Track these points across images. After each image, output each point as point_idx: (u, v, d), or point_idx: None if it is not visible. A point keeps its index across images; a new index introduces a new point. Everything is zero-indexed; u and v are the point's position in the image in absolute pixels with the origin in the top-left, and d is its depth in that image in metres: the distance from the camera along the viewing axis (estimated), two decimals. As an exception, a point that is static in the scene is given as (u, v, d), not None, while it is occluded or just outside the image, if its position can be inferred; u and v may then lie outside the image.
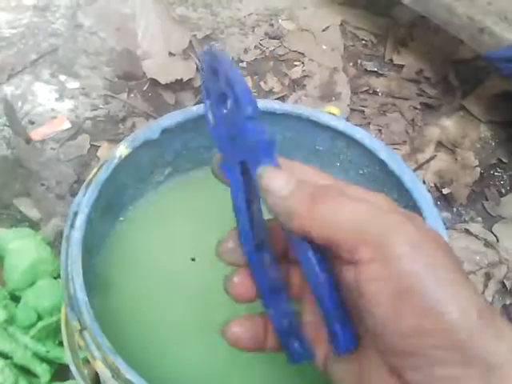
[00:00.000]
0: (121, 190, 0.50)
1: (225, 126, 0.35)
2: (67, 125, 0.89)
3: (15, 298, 0.57)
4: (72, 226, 0.43)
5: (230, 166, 0.34)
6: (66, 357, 0.45)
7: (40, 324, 0.53)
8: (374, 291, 0.27)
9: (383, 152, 0.49)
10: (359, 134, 0.50)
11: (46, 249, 0.58)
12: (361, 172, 0.53)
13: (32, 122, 0.89)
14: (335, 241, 0.28)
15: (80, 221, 0.43)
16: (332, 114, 0.52)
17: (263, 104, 0.52)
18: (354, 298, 0.29)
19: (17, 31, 1.05)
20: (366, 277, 0.27)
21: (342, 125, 0.51)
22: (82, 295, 0.39)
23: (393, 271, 0.26)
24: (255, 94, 0.97)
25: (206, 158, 0.58)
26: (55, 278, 0.57)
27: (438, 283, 0.26)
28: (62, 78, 0.97)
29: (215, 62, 0.35)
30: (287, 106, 0.52)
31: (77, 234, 0.42)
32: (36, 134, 0.87)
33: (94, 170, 0.47)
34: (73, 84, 0.96)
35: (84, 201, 0.44)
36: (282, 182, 0.30)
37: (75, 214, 0.44)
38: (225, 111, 0.35)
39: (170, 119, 0.50)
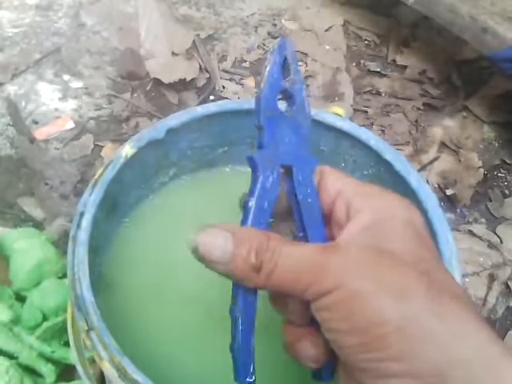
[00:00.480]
0: (126, 191, 0.50)
1: (277, 125, 0.34)
2: (71, 124, 0.89)
3: (20, 298, 0.57)
4: (78, 226, 0.43)
5: (268, 162, 0.34)
6: (72, 356, 0.45)
7: (45, 324, 0.53)
8: (323, 320, 0.30)
9: (388, 153, 0.49)
10: (365, 134, 0.50)
11: (51, 249, 0.58)
12: (365, 173, 0.53)
13: (36, 122, 0.89)
14: (289, 291, 0.31)
15: (86, 221, 0.43)
16: (337, 115, 0.52)
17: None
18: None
19: (19, 30, 1.05)
20: (319, 308, 0.30)
21: (347, 125, 0.51)
22: (88, 295, 0.39)
23: (333, 299, 0.29)
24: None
25: (211, 159, 0.58)
26: (60, 278, 0.57)
27: (369, 297, 0.28)
28: (66, 77, 0.97)
29: (289, 57, 0.35)
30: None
31: (83, 235, 0.42)
32: (40, 133, 0.87)
33: (100, 170, 0.47)
34: (76, 84, 0.96)
35: (90, 201, 0.44)
36: (219, 252, 0.30)
37: (81, 214, 0.44)
38: (281, 108, 0.35)
39: (175, 119, 0.50)
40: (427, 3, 0.93)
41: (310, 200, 0.34)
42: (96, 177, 0.46)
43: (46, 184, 0.80)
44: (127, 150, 0.47)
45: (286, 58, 0.35)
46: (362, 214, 0.33)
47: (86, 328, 0.39)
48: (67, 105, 0.92)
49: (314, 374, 0.34)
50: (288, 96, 0.35)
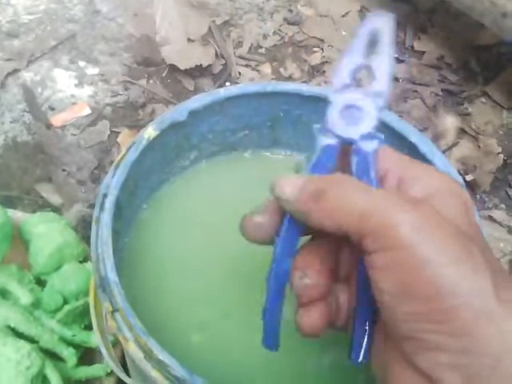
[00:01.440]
0: (147, 174, 0.50)
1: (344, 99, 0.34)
2: (87, 111, 0.89)
3: (41, 282, 0.57)
4: (101, 208, 0.43)
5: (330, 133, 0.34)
6: (96, 339, 0.45)
7: (66, 308, 0.53)
8: (379, 280, 0.28)
9: (413, 135, 0.49)
10: (388, 117, 0.49)
11: (71, 233, 0.58)
12: (389, 156, 0.52)
13: (52, 108, 0.89)
14: (344, 229, 0.29)
15: (109, 203, 0.43)
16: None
17: (291, 87, 0.52)
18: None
19: (35, 17, 1.05)
20: (372, 266, 0.28)
21: (370, 108, 0.50)
22: (113, 276, 0.39)
23: (394, 259, 0.27)
24: (274, 79, 0.97)
25: (232, 142, 0.58)
26: (80, 262, 0.57)
27: (441, 267, 0.27)
28: (81, 64, 0.96)
29: (380, 33, 0.34)
30: (314, 89, 0.51)
31: (106, 216, 0.42)
32: (56, 119, 0.86)
33: (123, 152, 0.46)
34: (92, 70, 0.96)
35: (113, 183, 0.44)
36: (288, 189, 0.32)
37: (104, 195, 0.43)
38: (352, 82, 0.34)
39: (197, 101, 0.50)
40: (446, -13, 0.92)
41: (365, 179, 0.33)
42: (118, 159, 0.46)
43: (64, 170, 0.80)
44: (150, 132, 0.47)
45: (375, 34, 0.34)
46: (415, 191, 0.32)
47: (111, 309, 0.38)
48: (83, 91, 0.92)
49: (350, 354, 0.33)
50: (369, 71, 0.34)
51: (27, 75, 0.93)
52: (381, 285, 0.28)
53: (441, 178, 0.33)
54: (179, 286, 0.48)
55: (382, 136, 0.33)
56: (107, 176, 0.45)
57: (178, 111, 0.49)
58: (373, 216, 0.28)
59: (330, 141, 0.33)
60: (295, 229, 0.33)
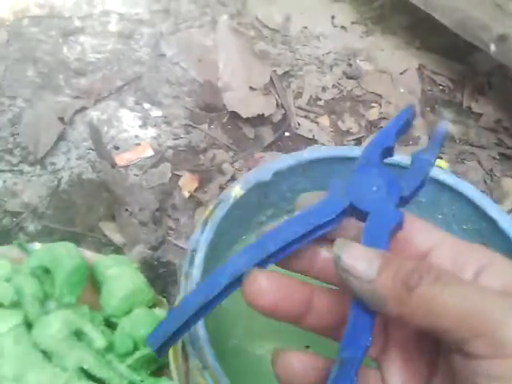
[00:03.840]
0: (229, 229, 0.51)
1: (372, 175, 0.33)
2: (150, 152, 0.91)
3: (109, 324, 0.58)
4: (191, 263, 0.44)
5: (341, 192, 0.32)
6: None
7: (137, 354, 0.54)
8: None
9: (494, 210, 0.49)
10: (470, 190, 0.50)
11: (141, 277, 0.60)
12: (464, 227, 0.53)
13: (117, 148, 0.91)
14: (440, 330, 0.25)
15: (199, 259, 0.44)
16: (440, 167, 0.53)
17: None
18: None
19: (102, 56, 1.08)
20: (484, 373, 0.24)
21: (451, 179, 0.51)
22: (203, 333, 0.40)
23: (508, 371, 0.24)
24: (332, 133, 0.98)
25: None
26: (150, 308, 0.58)
27: None
28: (146, 105, 0.99)
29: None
30: (396, 157, 0.53)
31: (196, 272, 0.44)
32: (121, 159, 0.89)
33: (210, 208, 0.48)
34: (156, 112, 0.98)
35: (202, 239, 0.45)
36: (364, 264, 0.27)
37: (194, 251, 0.45)
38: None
39: (282, 162, 0.52)
40: (509, 52, 0.93)
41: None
42: (206, 215, 0.47)
43: (126, 210, 0.82)
44: (237, 190, 0.49)
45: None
46: (493, 273, 0.28)
47: (201, 366, 0.39)
48: (147, 132, 0.95)
49: None
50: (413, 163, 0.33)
51: (94, 114, 0.96)
52: None
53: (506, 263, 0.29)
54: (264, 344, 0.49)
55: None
56: (196, 232, 0.46)
57: (264, 171, 0.51)
58: (485, 318, 0.24)
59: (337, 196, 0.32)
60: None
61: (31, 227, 0.79)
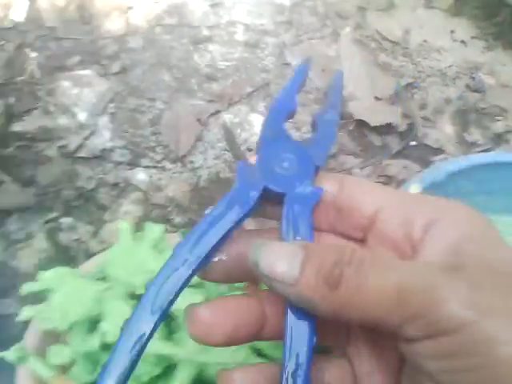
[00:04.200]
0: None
1: (280, 147, 0.31)
2: (281, 155, 0.95)
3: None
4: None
5: (250, 177, 0.30)
6: None
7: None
8: (434, 368, 0.23)
9: None
10: None
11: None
12: None
13: (250, 149, 0.96)
14: (372, 322, 0.23)
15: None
16: None
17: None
18: (412, 369, 0.25)
19: (230, 64, 1.13)
20: (427, 355, 0.23)
21: None
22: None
23: (451, 347, 0.22)
24: (457, 144, 1.00)
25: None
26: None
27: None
28: (275, 111, 1.03)
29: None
30: None
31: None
32: (254, 160, 0.93)
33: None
34: (285, 118, 1.02)
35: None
36: (284, 266, 0.24)
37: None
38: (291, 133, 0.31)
39: (454, 164, 0.54)
40: None
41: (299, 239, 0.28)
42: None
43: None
44: (414, 188, 0.51)
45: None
46: (441, 228, 0.25)
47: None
48: (277, 137, 0.98)
49: None
50: (314, 124, 0.32)
51: (227, 117, 1.01)
52: (441, 376, 0.23)
53: (462, 208, 0.27)
54: None
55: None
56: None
57: (437, 172, 0.53)
58: (414, 296, 0.22)
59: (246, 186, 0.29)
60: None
61: (177, 219, 0.84)
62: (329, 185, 0.30)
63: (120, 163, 0.91)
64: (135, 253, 0.57)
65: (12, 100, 0.98)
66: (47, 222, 0.82)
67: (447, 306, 0.22)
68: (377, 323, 0.23)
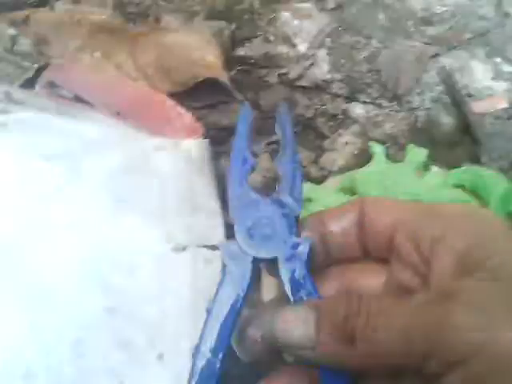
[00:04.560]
0: None
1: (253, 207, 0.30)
2: (503, 104, 0.91)
3: None
4: None
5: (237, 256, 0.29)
6: None
7: None
8: None
9: None
10: None
11: None
12: None
13: (470, 95, 0.92)
14: (394, 367, 0.24)
15: None
16: None
17: None
18: None
19: (447, 9, 1.09)
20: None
21: None
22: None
23: (474, 369, 0.22)
24: None
25: None
26: None
27: None
28: (497, 60, 0.99)
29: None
30: None
31: None
32: (477, 106, 0.90)
33: None
34: (507, 67, 0.98)
35: None
36: (300, 332, 0.25)
37: None
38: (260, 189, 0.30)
39: None
40: None
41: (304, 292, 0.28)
42: None
43: (487, 155, 0.83)
44: None
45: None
46: (448, 240, 0.26)
47: None
48: (499, 85, 0.95)
49: None
50: (276, 175, 0.31)
51: (446, 61, 0.98)
52: None
53: (470, 216, 0.28)
54: None
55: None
56: None
57: None
58: (421, 336, 0.23)
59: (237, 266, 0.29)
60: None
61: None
62: (313, 229, 0.30)
63: (338, 96, 0.91)
64: (393, 174, 0.57)
65: (233, 27, 1.00)
66: (268, 144, 0.84)
67: (457, 334, 0.22)
68: (400, 367, 0.24)
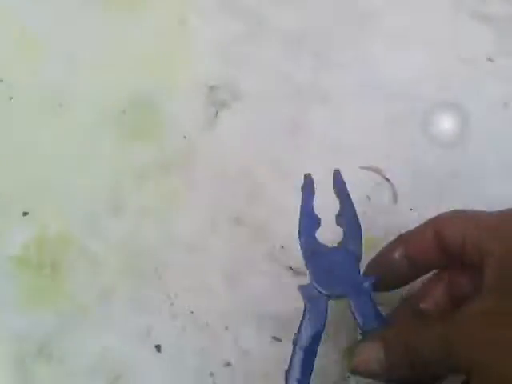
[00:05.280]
0: None
1: (323, 257, 0.36)
2: None
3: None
4: None
5: (313, 297, 0.35)
6: None
7: None
8: None
9: None
10: None
11: None
12: None
13: None
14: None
15: None
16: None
17: None
18: None
19: None
20: None
21: None
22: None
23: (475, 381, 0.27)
24: None
25: None
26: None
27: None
28: None
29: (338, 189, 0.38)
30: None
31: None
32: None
33: None
34: None
35: None
36: (375, 365, 0.31)
37: None
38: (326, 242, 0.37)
39: None
40: None
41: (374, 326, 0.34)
42: None
43: None
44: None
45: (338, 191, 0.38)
46: (493, 257, 0.30)
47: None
48: None
49: None
50: (343, 225, 0.37)
51: None
52: None
53: None
54: None
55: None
56: None
57: None
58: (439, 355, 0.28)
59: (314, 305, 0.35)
60: None
61: None
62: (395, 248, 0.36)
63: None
64: None
65: None
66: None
67: (454, 352, 0.27)
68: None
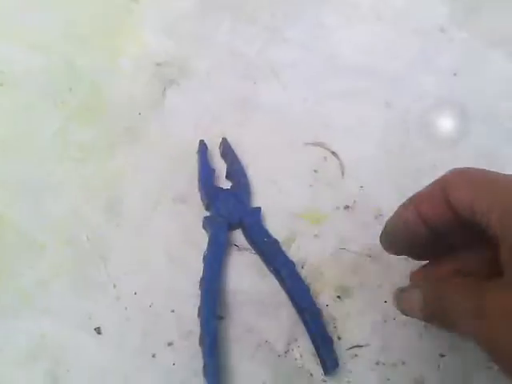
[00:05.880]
0: None
1: (221, 197, 0.44)
2: None
3: None
4: None
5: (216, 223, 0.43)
6: None
7: None
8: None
9: None
10: None
11: None
12: None
13: None
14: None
15: None
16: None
17: None
18: None
19: None
20: None
21: None
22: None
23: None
24: None
25: None
26: None
27: None
28: None
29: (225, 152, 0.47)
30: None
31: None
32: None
33: None
34: None
35: None
36: (416, 305, 0.34)
37: None
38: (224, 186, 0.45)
39: None
40: None
41: (265, 239, 0.42)
42: None
43: None
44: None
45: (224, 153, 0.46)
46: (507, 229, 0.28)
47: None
48: None
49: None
50: (232, 177, 0.46)
51: None
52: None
53: None
54: None
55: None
56: None
57: None
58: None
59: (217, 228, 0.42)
60: None
61: None
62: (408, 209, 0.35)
63: None
64: None
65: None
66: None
67: (484, 316, 0.28)
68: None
